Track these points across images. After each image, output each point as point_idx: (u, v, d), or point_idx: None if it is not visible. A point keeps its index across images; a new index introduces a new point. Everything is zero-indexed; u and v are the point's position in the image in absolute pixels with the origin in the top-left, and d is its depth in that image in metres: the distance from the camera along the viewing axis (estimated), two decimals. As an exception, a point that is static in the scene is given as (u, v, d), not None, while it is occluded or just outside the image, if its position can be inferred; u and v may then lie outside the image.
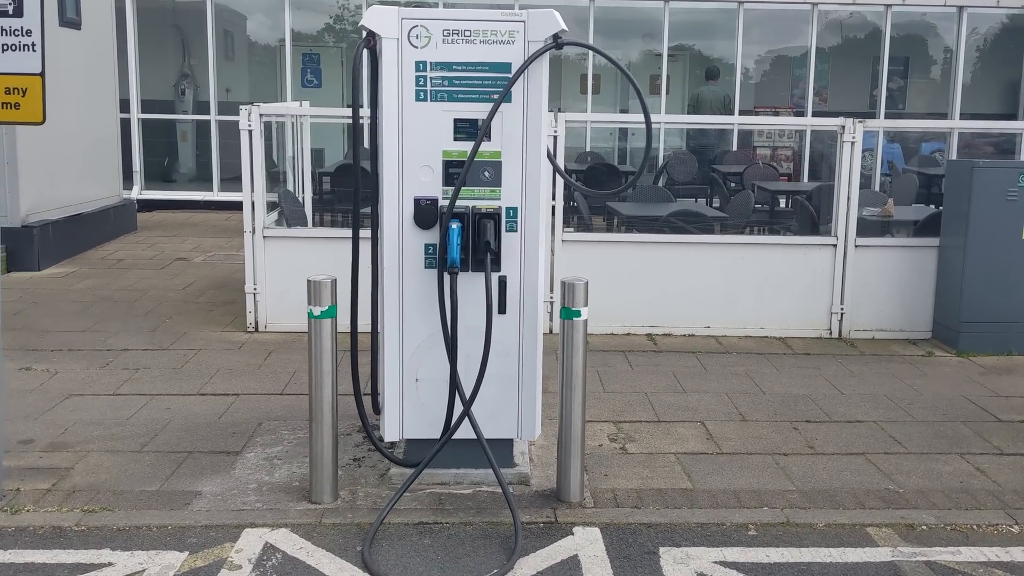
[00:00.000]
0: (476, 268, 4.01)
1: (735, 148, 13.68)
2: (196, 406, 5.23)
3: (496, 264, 4.02)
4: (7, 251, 8.48)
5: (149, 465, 4.41)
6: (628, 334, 6.85)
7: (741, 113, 13.73)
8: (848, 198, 6.82)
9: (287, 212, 7.40)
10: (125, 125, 12.56)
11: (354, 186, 4.15)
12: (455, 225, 3.91)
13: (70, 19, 9.41)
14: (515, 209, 4.04)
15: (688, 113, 14.65)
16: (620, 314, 6.84)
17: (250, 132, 6.53)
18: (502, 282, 4.06)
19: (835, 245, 6.87)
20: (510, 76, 3.92)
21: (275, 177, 8.86)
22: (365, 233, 4.15)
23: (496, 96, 3.92)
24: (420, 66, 3.92)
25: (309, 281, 3.90)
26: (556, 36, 3.93)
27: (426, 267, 4.05)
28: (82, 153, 9.79)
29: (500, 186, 4.02)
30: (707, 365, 6.19)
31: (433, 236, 4.02)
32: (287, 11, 13.10)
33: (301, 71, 14.56)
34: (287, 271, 6.70)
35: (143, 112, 12.80)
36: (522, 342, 4.11)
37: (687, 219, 7.39)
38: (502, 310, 4.08)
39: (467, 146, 3.96)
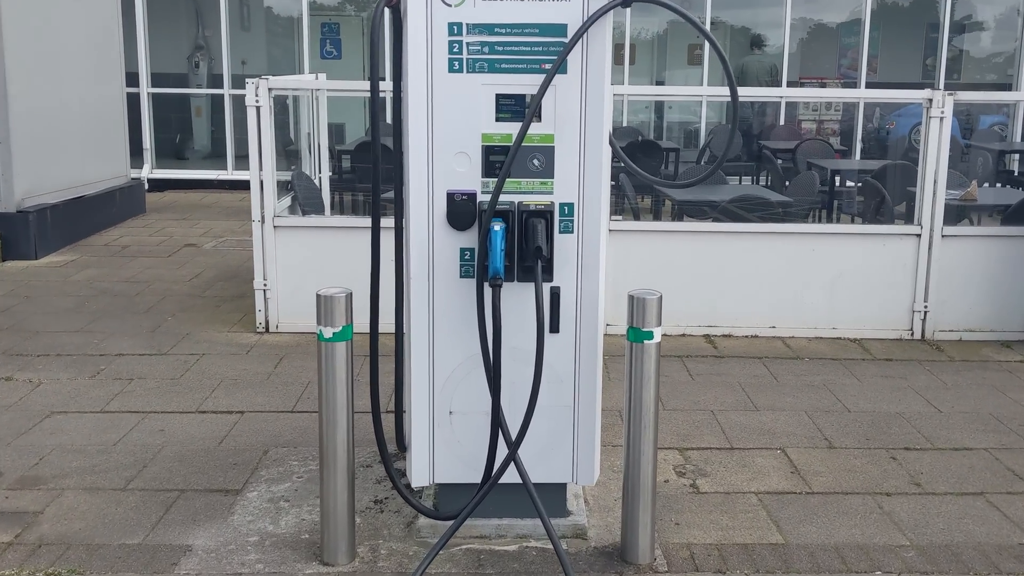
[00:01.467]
0: (523, 278, 3.27)
1: (782, 122, 12.80)
2: (194, 427, 4.53)
3: (548, 273, 3.28)
4: (1, 239, 7.82)
5: (133, 508, 3.72)
6: (684, 335, 6.08)
7: (787, 85, 12.84)
8: (935, 181, 5.99)
9: (301, 197, 6.67)
10: (134, 100, 11.88)
11: (373, 177, 3.40)
12: (498, 226, 3.16)
13: (69, -15, 8.68)
14: (571, 206, 3.28)
15: (732, 84, 13.78)
16: (674, 312, 6.07)
17: (258, 109, 5.79)
18: (555, 295, 3.32)
19: (919, 235, 6.05)
20: (565, 41, 3.15)
21: (292, 156, 8.15)
22: (388, 222, 3.40)
23: (548, 66, 3.16)
24: (454, 29, 3.16)
25: (319, 296, 3.17)
26: (623, -10, 3.15)
27: (462, 276, 3.31)
28: (84, 130, 9.10)
29: (552, 177, 3.26)
30: (777, 374, 5.42)
31: (470, 239, 3.27)
32: (304, -23, 12.32)
33: (320, 42, 13.80)
34: (301, 264, 5.98)
35: (153, 86, 12.09)
36: (579, 367, 3.37)
37: (748, 205, 6.58)
38: (555, 328, 3.34)
39: (512, 128, 3.21)
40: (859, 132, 12.76)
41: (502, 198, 3.19)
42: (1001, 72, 14.85)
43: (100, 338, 5.88)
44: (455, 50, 3.18)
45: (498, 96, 3.21)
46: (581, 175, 3.26)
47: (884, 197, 7.27)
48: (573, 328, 3.35)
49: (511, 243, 3.24)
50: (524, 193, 3.26)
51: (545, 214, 3.24)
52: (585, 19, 3.14)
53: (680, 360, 5.63)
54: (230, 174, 12.11)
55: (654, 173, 10.12)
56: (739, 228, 6.19)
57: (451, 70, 3.18)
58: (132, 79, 11.80)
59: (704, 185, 7.56)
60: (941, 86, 12.81)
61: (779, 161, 10.52)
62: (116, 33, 9.85)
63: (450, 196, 3.25)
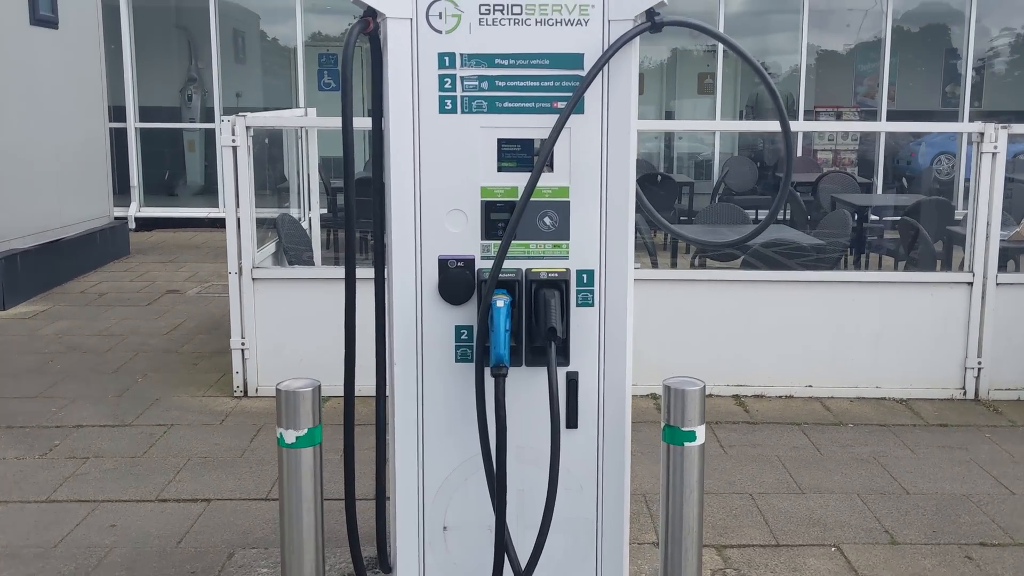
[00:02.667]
0: (533, 361, 2.66)
1: (799, 153, 12.22)
2: (151, 521, 3.91)
3: (563, 355, 2.67)
4: (-35, 288, 7.25)
5: (64, 636, 3.09)
6: (710, 396, 5.45)
7: (803, 114, 12.29)
8: (989, 224, 5.38)
9: (287, 244, 6.08)
10: (121, 135, 11.37)
11: (347, 236, 2.79)
12: (501, 301, 2.55)
13: (44, 17, 8.17)
14: (590, 274, 2.68)
15: (745, 114, 13.24)
16: (699, 371, 5.40)
17: (234, 149, 5.21)
18: (572, 382, 2.71)
19: (970, 283, 5.43)
20: (582, 74, 2.56)
21: (283, 195, 7.58)
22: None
23: (562, 105, 2.57)
24: (446, 60, 2.57)
25: (279, 391, 2.56)
26: (651, 13, 2.56)
27: (457, 360, 2.70)
28: (62, 169, 8.55)
29: (568, 239, 2.66)
30: (820, 444, 4.78)
31: (468, 315, 2.67)
32: (299, 9, 11.84)
33: (317, 73, 13.30)
34: (284, 321, 5.38)
35: (141, 121, 11.57)
36: (602, 471, 2.74)
37: (778, 249, 5.97)
38: (572, 423, 2.72)
39: (518, 180, 2.61)
40: (881, 163, 12.15)
41: (507, 265, 2.59)
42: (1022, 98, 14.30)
43: (60, 405, 5.28)
44: (447, 86, 2.58)
45: (500, 141, 2.61)
46: (603, 236, 2.66)
47: (923, 237, 6.66)
48: (595, 423, 2.73)
49: (517, 319, 2.64)
50: (533, 259, 2.66)
51: (559, 284, 2.64)
52: (606, 47, 2.55)
53: (709, 428, 4.98)
54: (222, 212, 11.52)
55: (668, 209, 9.53)
56: (770, 276, 5.58)
57: (442, 110, 2.59)
58: (119, 113, 11.30)
59: (725, 225, 6.96)
60: (966, 114, 12.25)
61: (799, 193, 9.94)
62: (98, 66, 9.33)
63: (442, 263, 2.65)
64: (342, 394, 2.73)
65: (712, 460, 4.57)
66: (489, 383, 2.55)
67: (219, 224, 11.58)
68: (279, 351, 5.39)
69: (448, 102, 2.59)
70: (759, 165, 11.91)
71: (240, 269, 5.30)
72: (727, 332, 5.45)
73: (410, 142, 2.60)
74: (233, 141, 5.20)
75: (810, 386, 5.50)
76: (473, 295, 2.65)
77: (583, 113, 2.59)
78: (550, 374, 2.55)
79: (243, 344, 5.38)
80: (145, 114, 11.72)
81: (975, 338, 5.45)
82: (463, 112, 2.59)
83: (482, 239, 2.64)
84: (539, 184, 2.55)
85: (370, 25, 2.60)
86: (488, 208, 2.63)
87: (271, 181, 7.38)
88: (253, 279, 5.33)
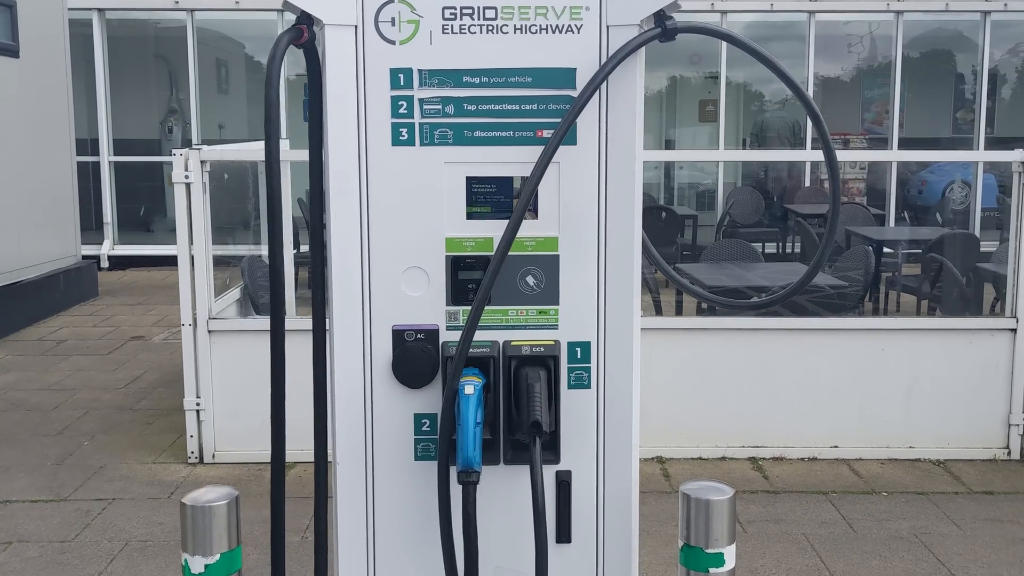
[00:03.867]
0: (514, 458, 2.09)
1: (807, 183, 11.70)
2: (70, 627, 3.31)
3: (552, 450, 2.09)
4: (-92, 337, 6.67)
5: None
6: (723, 458, 4.86)
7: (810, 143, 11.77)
8: (1033, 263, 4.82)
9: (253, 290, 5.51)
10: (93, 170, 10.83)
11: (272, 278, 2.23)
12: (471, 387, 1.97)
13: (3, 44, 7.65)
14: (586, 347, 2.10)
15: (749, 143, 12.72)
16: (712, 430, 4.87)
17: (187, 186, 4.66)
18: (563, 484, 2.13)
19: (1014, 329, 4.86)
20: (574, 95, 2.00)
21: (257, 233, 7.02)
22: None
23: (548, 133, 2.01)
24: (401, 78, 2.01)
25: (183, 505, 1.97)
26: (661, 16, 2.01)
27: (418, 458, 2.11)
28: (22, 207, 7.99)
29: (557, 303, 2.09)
30: (852, 519, 4.18)
31: (431, 400, 2.09)
32: (283, 35, 11.33)
33: (304, 104, 12.77)
34: (244, 378, 4.79)
35: (116, 154, 11.02)
36: (603, 598, 2.15)
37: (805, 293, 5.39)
38: (564, 537, 2.14)
39: (492, 229, 2.05)
40: (893, 193, 11.60)
41: (479, 336, 2.01)
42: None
43: (-9, 474, 4.68)
44: (402, 111, 2.02)
45: (470, 181, 2.05)
46: (601, 298, 2.09)
47: (951, 274, 6.10)
48: (593, 535, 2.15)
49: (494, 405, 2.06)
50: (513, 328, 2.08)
51: (546, 361, 2.06)
52: (604, 60, 2.00)
53: (723, 498, 4.38)
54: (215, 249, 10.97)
55: (670, 244, 8.97)
56: (789, 324, 4.99)
57: (396, 142, 2.03)
58: (93, 147, 10.78)
59: (734, 263, 6.39)
60: (981, 141, 11.75)
61: (802, 223, 9.40)
62: (65, 98, 8.81)
63: (398, 335, 2.07)
64: (312, 459, 2.15)
65: (730, 540, 3.96)
66: (457, 489, 1.97)
67: (217, 260, 11.03)
68: (238, 412, 4.80)
69: (404, 131, 2.02)
70: (764, 196, 11.37)
71: (195, 320, 4.72)
72: (742, 386, 4.87)
73: (355, 182, 2.04)
74: (186, 177, 4.64)
75: (835, 446, 4.91)
76: (437, 375, 2.07)
77: (575, 144, 2.03)
78: (534, 477, 1.96)
79: (198, 404, 4.79)
80: (121, 147, 11.18)
81: (1020, 391, 4.87)
82: (423, 144, 2.03)
83: (448, 304, 2.07)
84: (520, 234, 1.98)
85: (304, 35, 2.03)
86: (455, 265, 2.06)
87: (241, 219, 6.84)
88: (209, 331, 4.75)
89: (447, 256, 2.05)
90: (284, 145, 7.14)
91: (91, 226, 10.61)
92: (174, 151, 4.65)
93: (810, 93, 11.72)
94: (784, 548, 3.90)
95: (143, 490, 4.49)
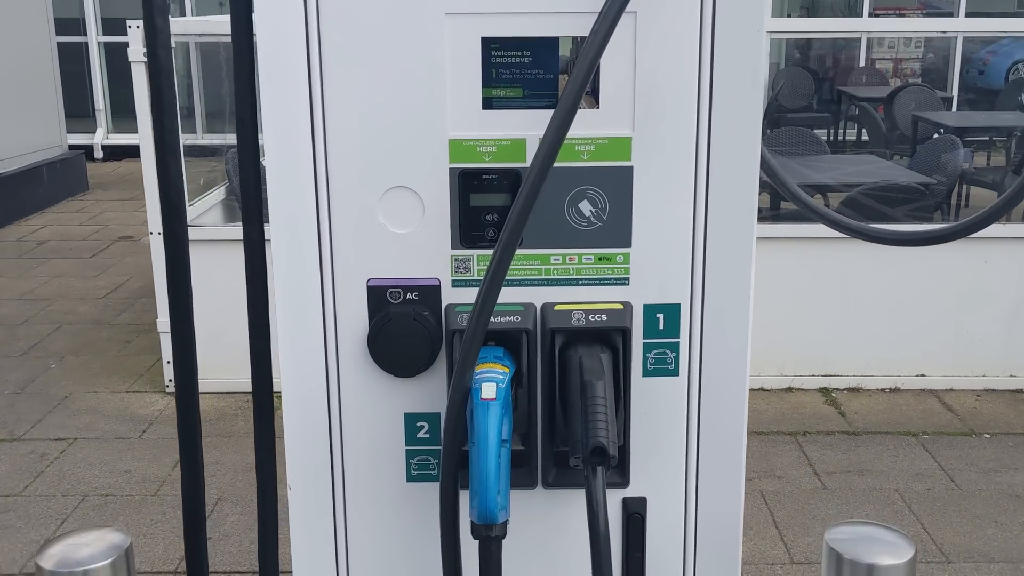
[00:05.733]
0: (557, 480, 1.36)
1: (862, 63, 10.63)
2: (1, 617, 2.69)
3: (619, 469, 1.35)
4: None
5: None
6: (790, 389, 4.14)
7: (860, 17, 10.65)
8: None
9: (239, 192, 4.73)
10: (81, 51, 9.96)
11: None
12: (491, 386, 1.22)
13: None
14: (673, 313, 1.34)
15: (801, 15, 11.60)
16: (777, 356, 4.13)
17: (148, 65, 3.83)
18: (634, 518, 1.40)
19: None
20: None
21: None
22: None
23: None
24: None
25: (38, 567, 1.26)
26: None
27: (412, 479, 1.38)
28: (-6, 92, 7.20)
29: (628, 245, 1.31)
30: (952, 469, 3.47)
31: (428, 394, 1.35)
32: None
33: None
34: (227, 294, 4.03)
35: (105, 34, 10.10)
36: None
37: (873, 191, 4.57)
38: (634, 594, 1.42)
39: (524, 123, 1.26)
40: (957, 73, 10.51)
41: (505, 297, 1.24)
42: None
43: (-61, 406, 4.05)
44: (375, -73, 1.22)
45: (488, 44, 1.25)
46: (699, 236, 1.31)
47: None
48: (679, 592, 1.43)
49: (527, 402, 1.32)
50: (558, 284, 1.32)
51: (609, 336, 1.31)
52: None
53: (794, 441, 3.69)
54: (200, 138, 10.16)
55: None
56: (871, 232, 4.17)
57: (367, -20, 1.23)
58: (78, 27, 9.88)
59: (796, 158, 5.52)
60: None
61: (856, 109, 8.46)
62: (39, -32, 7.89)
63: (376, 295, 1.32)
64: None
65: (801, 497, 3.28)
66: (465, 544, 1.24)
67: (198, 152, 10.24)
68: (222, 334, 4.08)
69: (378, -36, 1.22)
70: (815, 77, 10.34)
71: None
72: (812, 304, 4.10)
73: (301, 42, 1.25)
74: (145, 55, 3.81)
75: (922, 375, 4.16)
76: (439, 357, 1.32)
77: (658, -12, 1.23)
78: (593, 524, 1.23)
79: (173, 326, 4.08)
80: (112, 27, 10.24)
81: None
82: (409, -15, 1.23)
83: (454, 247, 1.30)
84: (571, 134, 1.19)
85: None
86: (466, 184, 1.29)
87: (232, 105, 6.03)
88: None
89: (452, 169, 1.28)
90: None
91: (82, 113, 9.81)
92: (130, 22, 3.82)
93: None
94: (875, 510, 3.20)
95: (111, 427, 3.85)
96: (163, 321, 4.08)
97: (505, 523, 1.19)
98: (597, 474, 1.22)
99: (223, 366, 4.12)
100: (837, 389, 4.14)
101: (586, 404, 1.21)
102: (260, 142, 1.36)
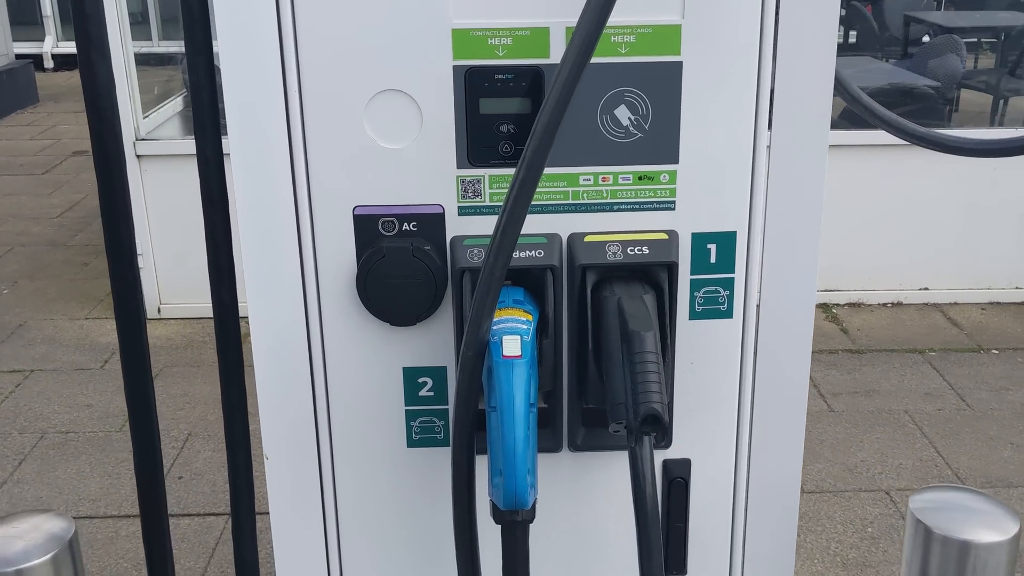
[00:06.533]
0: (588, 442, 1.14)
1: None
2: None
3: (663, 435, 1.12)
4: None
5: None
6: (788, 306, 3.94)
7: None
8: None
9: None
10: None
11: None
12: (514, 340, 0.98)
13: None
14: (727, 243, 1.10)
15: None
16: (774, 271, 3.92)
17: (90, -40, 3.46)
18: (677, 483, 1.18)
19: None
20: None
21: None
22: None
23: None
24: None
25: (-39, 569, 1.03)
26: None
27: (413, 444, 1.16)
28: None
29: (676, 161, 1.06)
30: (962, 389, 3.32)
31: (429, 345, 1.11)
32: None
33: None
34: (190, 213, 3.76)
35: (49, -69, 9.47)
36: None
37: (879, 96, 4.31)
38: (676, 567, 1.21)
39: (549, 8, 0.99)
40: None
41: (528, 223, 0.99)
42: None
43: None
44: None
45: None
46: (762, 147, 1.07)
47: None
48: (727, 567, 1.22)
49: (553, 352, 1.08)
50: (590, 211, 1.08)
51: (652, 273, 1.07)
52: None
53: (797, 361, 3.50)
54: (156, 45, 9.64)
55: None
56: (871, 138, 3.94)
57: None
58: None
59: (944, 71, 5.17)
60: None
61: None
62: None
63: (365, 226, 1.07)
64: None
65: (811, 422, 3.10)
66: (482, 528, 1.03)
67: (154, 60, 9.73)
68: (186, 256, 3.82)
69: None
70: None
71: (136, 130, 3.66)
72: (814, 216, 3.88)
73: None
74: (87, -52, 3.43)
75: (925, 288, 3.99)
76: (443, 302, 1.08)
77: None
78: (641, 502, 1.01)
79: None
80: (57, -77, 9.61)
81: None
82: None
83: (461, 166, 1.05)
84: (610, 22, 0.93)
85: None
86: (474, 85, 1.03)
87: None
88: (138, 156, 3.71)
89: (457, 67, 1.02)
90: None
91: (29, 20, 9.26)
92: (67, -89, 3.43)
93: None
94: (886, 434, 3.05)
95: (70, 357, 3.59)
96: (121, 243, 3.79)
97: (534, 505, 0.98)
98: (644, 445, 1.00)
99: (189, 290, 3.86)
100: (838, 305, 3.96)
101: (633, 361, 0.98)
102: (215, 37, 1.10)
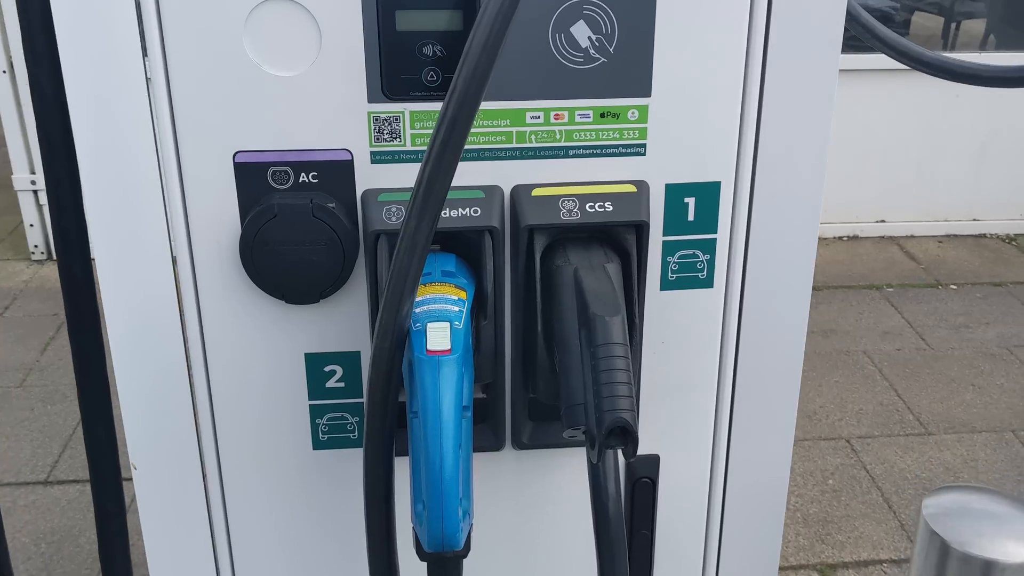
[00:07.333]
0: (535, 439, 0.93)
1: None
2: None
3: (632, 449, 0.90)
4: None
5: None
6: (741, 240, 3.77)
7: None
8: None
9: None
10: None
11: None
12: (442, 327, 0.75)
13: None
14: (710, 194, 0.88)
15: None
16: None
17: None
18: (641, 484, 0.98)
19: None
20: None
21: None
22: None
23: None
24: None
25: None
26: None
27: (319, 447, 0.93)
28: None
29: (648, 94, 0.83)
30: (920, 326, 3.20)
31: (337, 326, 0.87)
32: None
33: None
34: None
35: None
36: None
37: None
38: (639, 581, 1.02)
39: None
40: None
41: (463, 177, 0.76)
42: None
43: None
44: None
45: None
46: (754, 76, 0.84)
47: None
48: (697, 578, 1.04)
49: (492, 340, 0.86)
50: (539, 157, 0.84)
51: (615, 234, 0.85)
52: None
53: (751, 300, 3.34)
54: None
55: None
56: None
57: None
58: None
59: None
60: None
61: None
62: None
63: (247, 173, 0.82)
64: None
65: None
66: (414, 561, 0.82)
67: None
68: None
69: None
70: None
71: (10, 63, 3.31)
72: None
73: None
74: None
75: (882, 220, 3.85)
76: (353, 274, 0.85)
77: None
78: (603, 524, 0.81)
79: (34, 183, 3.47)
80: None
81: (1120, 147, 3.79)
82: None
83: (373, 99, 0.81)
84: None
85: None
86: (391, -7, 0.78)
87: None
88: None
89: (368, -31, 0.77)
90: None
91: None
92: None
93: None
94: (845, 376, 2.91)
95: (-34, 304, 3.29)
96: (20, 178, 3.46)
97: (469, 540, 0.77)
98: (609, 460, 0.80)
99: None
100: (792, 238, 3.79)
101: (596, 355, 0.77)
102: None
